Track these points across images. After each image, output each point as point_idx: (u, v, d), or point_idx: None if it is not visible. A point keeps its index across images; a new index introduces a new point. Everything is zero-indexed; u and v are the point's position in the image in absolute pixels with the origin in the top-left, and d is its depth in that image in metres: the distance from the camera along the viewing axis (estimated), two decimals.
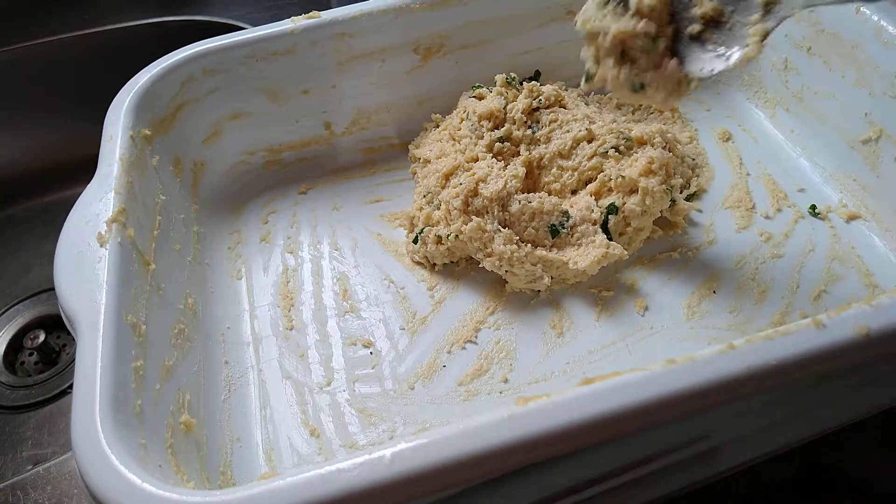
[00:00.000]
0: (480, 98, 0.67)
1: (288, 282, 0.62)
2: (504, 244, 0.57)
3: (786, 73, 0.69)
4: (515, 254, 0.56)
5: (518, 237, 0.58)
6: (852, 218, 0.62)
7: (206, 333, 0.56)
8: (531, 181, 0.63)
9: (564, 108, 0.65)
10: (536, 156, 0.63)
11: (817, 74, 0.65)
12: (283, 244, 0.65)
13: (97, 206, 0.50)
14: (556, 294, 0.59)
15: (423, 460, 0.36)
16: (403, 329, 0.58)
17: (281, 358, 0.56)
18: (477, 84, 0.68)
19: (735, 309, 0.56)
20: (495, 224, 0.57)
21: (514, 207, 0.58)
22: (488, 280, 0.60)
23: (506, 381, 0.54)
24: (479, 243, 0.57)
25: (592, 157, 0.62)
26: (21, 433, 0.70)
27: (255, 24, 0.83)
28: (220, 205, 0.67)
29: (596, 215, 0.59)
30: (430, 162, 0.65)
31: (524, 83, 0.66)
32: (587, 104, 0.70)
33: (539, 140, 0.63)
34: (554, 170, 0.63)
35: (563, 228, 0.59)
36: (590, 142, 0.62)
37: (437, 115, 0.70)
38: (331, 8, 0.65)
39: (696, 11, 0.48)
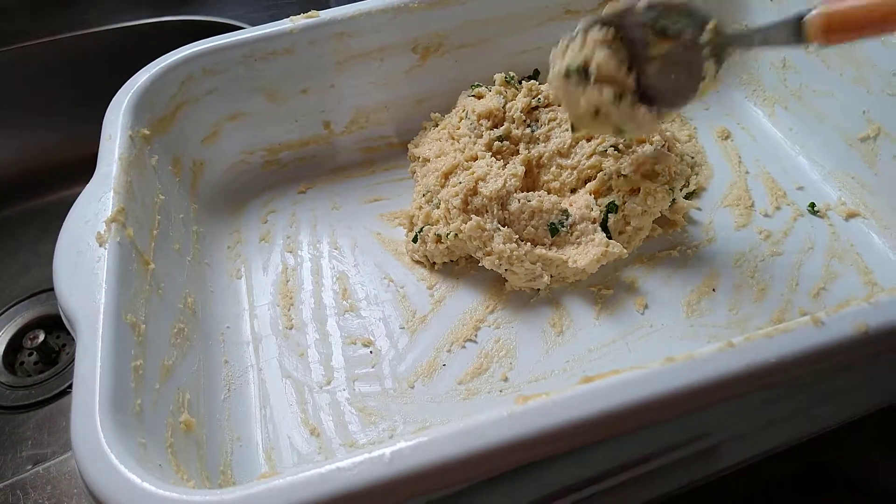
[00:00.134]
0: (479, 97, 0.67)
1: (287, 281, 0.62)
2: (503, 243, 0.57)
3: (784, 72, 0.69)
4: (515, 252, 0.56)
5: (517, 236, 0.58)
6: (851, 216, 0.62)
7: (205, 333, 0.56)
8: (530, 180, 0.63)
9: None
10: (535, 154, 0.63)
11: (816, 73, 0.65)
12: (282, 243, 0.65)
13: (96, 206, 0.50)
14: (556, 292, 0.59)
15: (423, 459, 0.36)
16: (403, 328, 0.58)
17: (281, 357, 0.56)
18: (476, 83, 0.68)
19: (734, 307, 0.57)
20: (495, 223, 0.57)
21: (514, 206, 0.58)
22: (488, 279, 0.60)
23: (506, 379, 0.54)
24: (478, 242, 0.57)
25: (591, 155, 0.62)
26: (21, 433, 0.70)
27: (253, 24, 0.83)
28: (219, 204, 0.67)
29: (595, 214, 0.59)
30: (429, 161, 0.65)
31: (523, 82, 0.66)
32: None
33: (538, 139, 0.63)
34: (553, 168, 0.63)
35: (563, 227, 0.59)
36: (589, 140, 0.62)
37: (436, 114, 0.70)
38: (329, 7, 0.65)
39: (652, 52, 0.50)
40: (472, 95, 0.68)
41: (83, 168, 0.58)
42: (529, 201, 0.59)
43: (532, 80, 0.66)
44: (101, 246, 0.47)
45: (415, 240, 0.61)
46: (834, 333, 0.40)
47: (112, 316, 0.43)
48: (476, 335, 0.57)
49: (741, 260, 0.60)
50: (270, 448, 0.51)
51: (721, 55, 0.48)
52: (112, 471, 0.36)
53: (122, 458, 0.36)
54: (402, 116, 0.72)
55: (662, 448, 0.50)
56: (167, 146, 0.61)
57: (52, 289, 0.46)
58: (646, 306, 0.57)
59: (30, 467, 0.66)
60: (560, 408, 0.37)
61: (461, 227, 0.57)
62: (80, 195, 0.51)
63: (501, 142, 0.63)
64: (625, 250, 0.58)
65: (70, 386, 0.73)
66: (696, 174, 0.67)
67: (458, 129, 0.65)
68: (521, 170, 0.60)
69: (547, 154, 0.63)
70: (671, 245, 0.62)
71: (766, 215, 0.63)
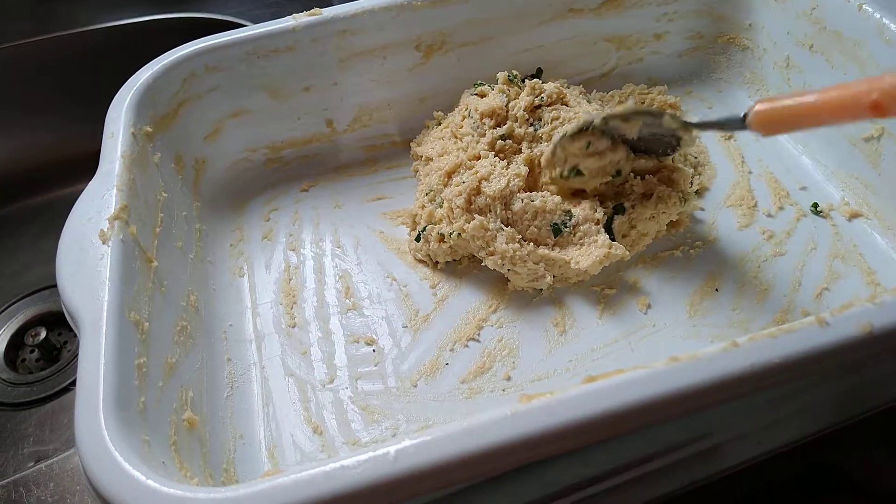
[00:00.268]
0: (482, 95, 0.66)
1: (290, 279, 0.61)
2: (506, 243, 0.56)
3: (788, 71, 0.69)
4: (517, 252, 0.56)
5: (520, 236, 0.58)
6: (854, 216, 0.62)
7: (208, 331, 0.56)
8: (532, 179, 0.63)
9: (567, 105, 0.64)
10: (539, 153, 0.63)
11: (819, 72, 0.65)
12: (285, 242, 0.65)
13: (99, 204, 0.50)
14: (559, 292, 0.59)
15: (427, 457, 0.36)
16: (406, 327, 0.58)
17: (283, 355, 0.56)
18: (479, 81, 0.68)
19: (737, 307, 0.57)
20: (498, 222, 0.57)
21: (517, 206, 0.58)
22: (491, 278, 0.60)
23: (508, 378, 0.54)
24: (481, 241, 0.57)
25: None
26: (23, 430, 0.70)
27: (255, 21, 0.83)
28: (221, 202, 0.67)
29: (598, 215, 0.59)
30: (432, 160, 0.65)
31: (526, 81, 0.66)
32: (589, 102, 0.70)
33: (541, 138, 0.63)
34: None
35: (566, 227, 0.59)
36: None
37: (439, 112, 0.70)
38: (332, 5, 0.65)
39: (630, 135, 0.56)
40: (475, 94, 0.67)
41: (83, 166, 0.58)
42: (533, 201, 0.59)
43: (535, 79, 0.66)
44: (104, 243, 0.47)
45: (418, 238, 0.61)
46: (838, 334, 0.40)
47: (115, 313, 0.43)
48: (479, 334, 0.57)
49: (744, 260, 0.60)
50: (273, 446, 0.51)
51: (685, 136, 0.55)
52: (116, 468, 0.36)
53: (125, 456, 0.36)
54: (405, 115, 0.72)
55: (665, 447, 0.50)
56: (170, 143, 0.61)
57: (53, 286, 0.46)
58: (649, 306, 0.57)
59: (32, 464, 0.66)
60: (564, 407, 0.37)
61: (464, 227, 0.57)
62: (83, 192, 0.51)
63: (504, 140, 0.63)
64: (627, 252, 0.58)
65: (72, 383, 0.74)
66: (699, 174, 0.67)
67: (461, 127, 0.65)
68: (524, 170, 0.60)
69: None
70: (674, 245, 0.62)
71: (769, 215, 0.63)
